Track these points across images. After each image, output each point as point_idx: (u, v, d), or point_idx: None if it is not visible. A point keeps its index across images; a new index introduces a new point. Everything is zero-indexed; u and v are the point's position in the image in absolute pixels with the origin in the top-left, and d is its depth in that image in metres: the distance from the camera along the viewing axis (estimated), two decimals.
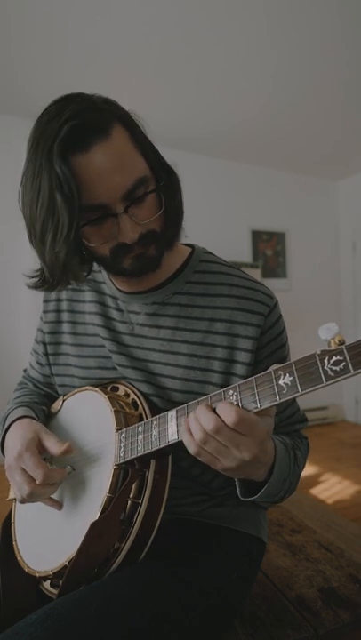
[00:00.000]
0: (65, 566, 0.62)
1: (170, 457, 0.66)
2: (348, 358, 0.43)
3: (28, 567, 0.68)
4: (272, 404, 0.50)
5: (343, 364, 0.43)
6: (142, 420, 0.67)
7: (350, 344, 0.44)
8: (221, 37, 2.26)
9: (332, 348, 0.45)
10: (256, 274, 3.70)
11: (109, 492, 0.61)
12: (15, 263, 2.85)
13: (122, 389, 0.74)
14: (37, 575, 0.66)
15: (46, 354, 0.85)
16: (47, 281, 0.66)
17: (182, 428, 0.56)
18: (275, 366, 0.51)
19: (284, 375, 0.49)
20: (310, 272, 4.27)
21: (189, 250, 0.79)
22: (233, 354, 0.70)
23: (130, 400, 0.72)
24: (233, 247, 3.86)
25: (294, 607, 0.79)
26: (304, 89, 2.76)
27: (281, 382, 0.49)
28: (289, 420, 0.77)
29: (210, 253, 0.80)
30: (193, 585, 0.62)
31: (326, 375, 0.45)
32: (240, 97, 2.85)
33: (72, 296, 0.83)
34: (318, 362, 0.46)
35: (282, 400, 0.49)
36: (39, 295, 0.81)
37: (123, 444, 0.64)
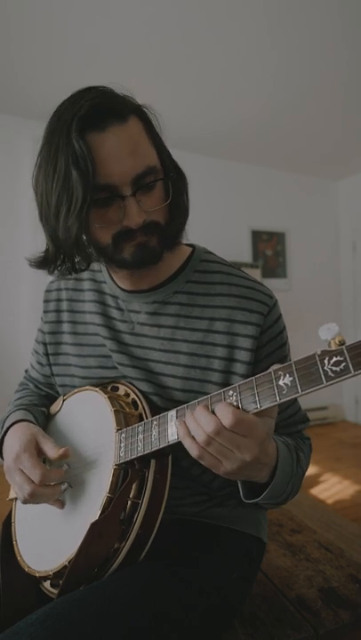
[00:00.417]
0: (65, 566, 0.62)
1: (170, 457, 0.66)
2: (348, 359, 0.43)
3: (29, 567, 0.68)
4: (272, 404, 0.50)
5: (343, 364, 0.43)
6: (142, 419, 0.67)
7: (351, 344, 0.44)
8: (221, 37, 2.26)
9: (333, 348, 0.45)
10: (256, 274, 3.70)
11: (109, 492, 0.61)
12: (15, 263, 2.85)
13: (122, 389, 0.74)
14: (37, 575, 0.66)
15: (47, 354, 0.85)
16: (51, 261, 0.67)
17: (181, 432, 0.55)
18: (275, 366, 0.51)
19: (285, 375, 0.49)
20: (310, 272, 4.26)
21: (190, 249, 0.79)
22: (233, 353, 0.70)
23: (130, 400, 0.72)
24: (233, 247, 3.86)
25: (294, 607, 0.79)
26: (304, 89, 2.76)
27: (281, 383, 0.49)
28: (290, 420, 0.76)
29: (210, 253, 0.80)
30: (193, 585, 0.62)
31: (327, 375, 0.45)
32: (240, 97, 2.85)
33: (72, 296, 0.83)
34: (318, 362, 0.46)
35: (282, 400, 0.49)
36: (39, 295, 0.81)
37: (123, 444, 0.64)
